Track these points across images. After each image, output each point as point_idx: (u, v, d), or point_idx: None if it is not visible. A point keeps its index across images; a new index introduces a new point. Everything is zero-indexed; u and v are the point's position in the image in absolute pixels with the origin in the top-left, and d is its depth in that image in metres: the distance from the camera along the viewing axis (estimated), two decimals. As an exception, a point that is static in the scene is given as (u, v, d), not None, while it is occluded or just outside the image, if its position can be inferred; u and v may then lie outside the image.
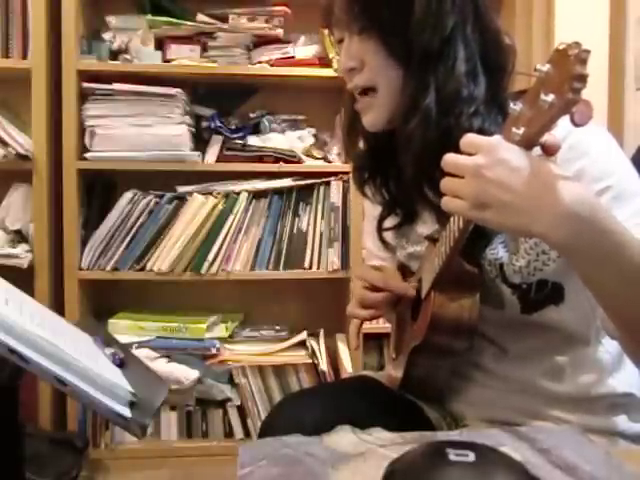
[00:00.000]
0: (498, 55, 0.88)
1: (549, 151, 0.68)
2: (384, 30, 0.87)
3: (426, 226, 0.97)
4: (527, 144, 0.68)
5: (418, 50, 0.85)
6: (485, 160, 0.67)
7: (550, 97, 0.62)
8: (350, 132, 1.02)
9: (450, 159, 0.71)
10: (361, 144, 1.02)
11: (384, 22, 0.87)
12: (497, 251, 0.90)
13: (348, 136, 1.03)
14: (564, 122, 0.64)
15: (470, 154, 0.69)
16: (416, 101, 0.86)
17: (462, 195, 0.70)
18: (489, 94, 0.86)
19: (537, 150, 0.69)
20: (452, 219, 0.80)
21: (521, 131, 0.67)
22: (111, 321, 2.10)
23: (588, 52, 0.61)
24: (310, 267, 2.14)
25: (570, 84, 0.61)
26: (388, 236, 1.06)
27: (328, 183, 2.16)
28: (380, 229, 1.04)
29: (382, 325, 2.18)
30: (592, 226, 0.68)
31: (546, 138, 0.67)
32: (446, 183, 0.72)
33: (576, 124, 0.62)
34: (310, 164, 2.18)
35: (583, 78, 0.61)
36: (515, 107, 0.68)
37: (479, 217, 0.70)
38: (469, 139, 0.71)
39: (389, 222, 1.03)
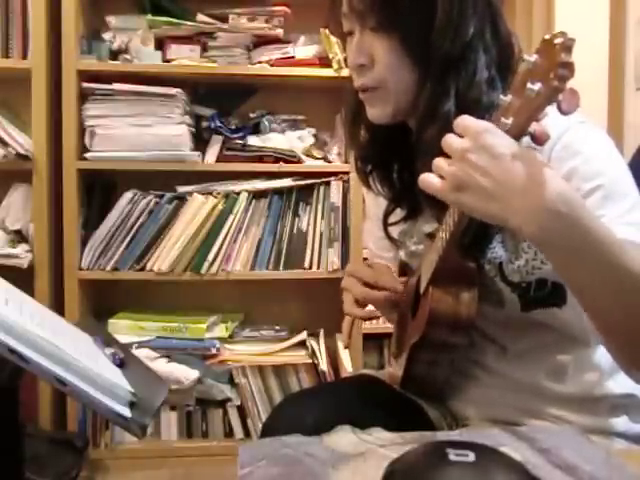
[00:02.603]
0: (511, 59, 0.88)
1: (538, 140, 0.68)
2: (403, 29, 0.85)
3: (430, 225, 0.97)
4: (516, 133, 0.68)
5: (438, 54, 0.84)
6: (470, 144, 0.67)
7: (537, 86, 0.63)
8: (353, 121, 1.00)
9: (445, 138, 0.71)
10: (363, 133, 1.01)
11: (404, 20, 0.85)
12: (496, 250, 0.89)
13: (351, 125, 1.01)
14: (561, 120, 0.63)
15: (460, 136, 0.69)
16: (434, 106, 0.85)
17: (443, 173, 0.70)
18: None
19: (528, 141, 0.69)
20: (448, 213, 0.79)
21: (510, 121, 0.67)
22: (111, 321, 2.10)
23: (573, 40, 0.61)
24: (310, 267, 2.14)
25: (556, 72, 0.61)
26: (393, 233, 1.05)
27: (328, 183, 2.16)
28: (386, 224, 1.04)
29: (382, 325, 2.19)
30: (570, 223, 0.67)
31: (535, 127, 0.67)
32: (434, 161, 0.72)
33: (563, 112, 0.63)
34: (310, 164, 2.18)
35: (569, 66, 0.61)
36: (505, 98, 0.68)
37: (455, 199, 0.70)
38: (460, 120, 0.70)
39: (394, 217, 1.03)
